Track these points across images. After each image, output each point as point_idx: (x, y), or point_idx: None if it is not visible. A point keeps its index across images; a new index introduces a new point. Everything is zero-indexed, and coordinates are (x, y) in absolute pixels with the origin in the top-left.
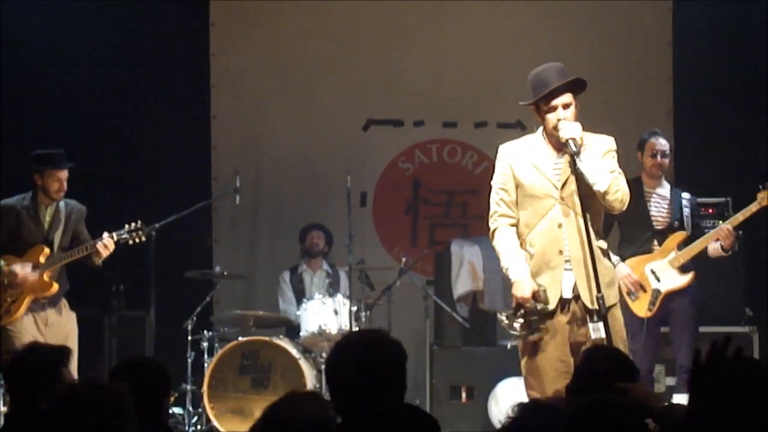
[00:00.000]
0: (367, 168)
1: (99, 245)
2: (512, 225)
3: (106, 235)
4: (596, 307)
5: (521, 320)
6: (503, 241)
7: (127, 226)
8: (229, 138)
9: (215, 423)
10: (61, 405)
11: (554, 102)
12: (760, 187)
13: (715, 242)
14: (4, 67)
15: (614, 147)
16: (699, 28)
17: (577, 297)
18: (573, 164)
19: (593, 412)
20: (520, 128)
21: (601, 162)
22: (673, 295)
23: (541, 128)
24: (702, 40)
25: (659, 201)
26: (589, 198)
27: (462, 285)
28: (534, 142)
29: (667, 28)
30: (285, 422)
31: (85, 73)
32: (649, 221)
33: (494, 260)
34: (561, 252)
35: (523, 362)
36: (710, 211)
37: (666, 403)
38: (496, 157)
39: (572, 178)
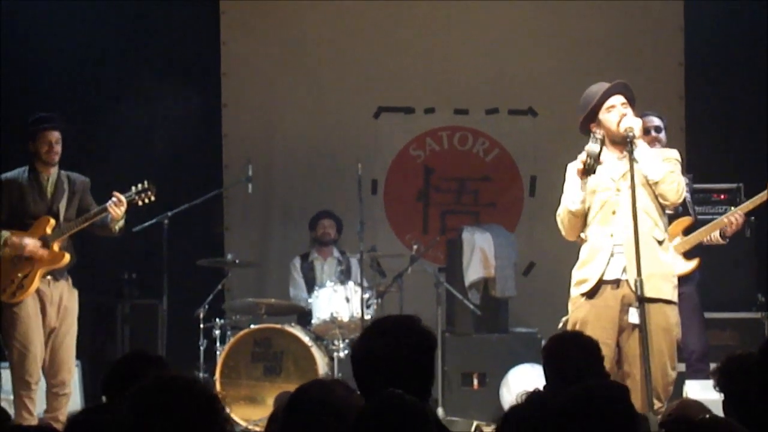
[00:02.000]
0: (378, 156)
1: (110, 206)
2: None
3: (115, 194)
4: (657, 295)
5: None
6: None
7: (134, 187)
8: (240, 126)
9: (228, 410)
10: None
11: (610, 101)
12: None
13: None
14: (10, 55)
15: (677, 157)
16: (710, 13)
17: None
18: (631, 154)
19: (583, 400)
20: (531, 115)
21: (658, 158)
22: (678, 281)
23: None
24: (713, 26)
25: None
26: (647, 190)
27: (473, 272)
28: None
29: (678, 14)
30: (315, 405)
31: (95, 63)
32: None
33: (505, 247)
34: (612, 236)
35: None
36: (722, 197)
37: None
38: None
39: (627, 172)
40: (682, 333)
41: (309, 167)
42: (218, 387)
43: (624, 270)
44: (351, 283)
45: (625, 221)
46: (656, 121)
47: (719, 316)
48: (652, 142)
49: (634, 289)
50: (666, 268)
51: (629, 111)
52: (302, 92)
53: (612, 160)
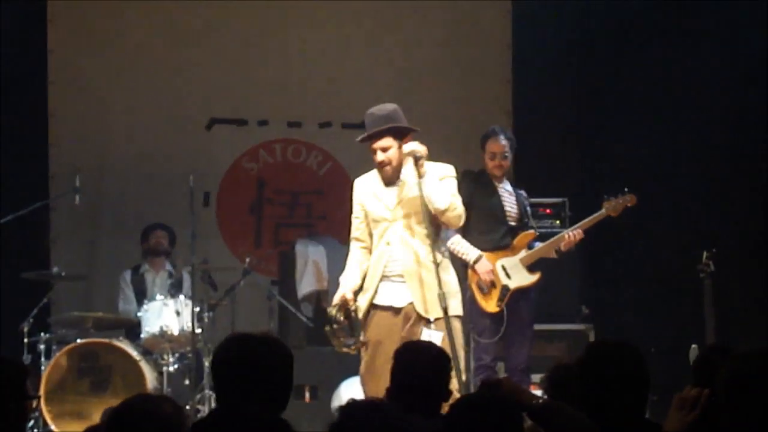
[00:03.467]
0: (211, 167)
1: None
2: (363, 247)
3: None
4: (428, 316)
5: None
6: (349, 258)
7: None
8: (67, 136)
9: (52, 427)
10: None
11: (374, 146)
12: (605, 197)
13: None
14: None
15: (453, 174)
16: (537, 29)
17: (410, 303)
18: (419, 177)
19: (469, 412)
20: (364, 128)
21: (440, 183)
22: (517, 294)
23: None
24: (540, 42)
25: (507, 197)
26: (424, 216)
27: (307, 285)
28: (374, 175)
29: (506, 30)
30: (136, 420)
31: None
32: (504, 215)
33: (339, 260)
34: (386, 267)
35: (363, 362)
36: (548, 211)
37: (540, 400)
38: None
39: (405, 201)
40: (510, 345)
41: (140, 178)
42: (43, 403)
43: (402, 296)
44: (182, 297)
45: (405, 253)
46: (505, 146)
47: (546, 327)
48: (496, 168)
49: (424, 314)
50: (449, 286)
51: (390, 153)
52: (133, 102)
53: (383, 187)
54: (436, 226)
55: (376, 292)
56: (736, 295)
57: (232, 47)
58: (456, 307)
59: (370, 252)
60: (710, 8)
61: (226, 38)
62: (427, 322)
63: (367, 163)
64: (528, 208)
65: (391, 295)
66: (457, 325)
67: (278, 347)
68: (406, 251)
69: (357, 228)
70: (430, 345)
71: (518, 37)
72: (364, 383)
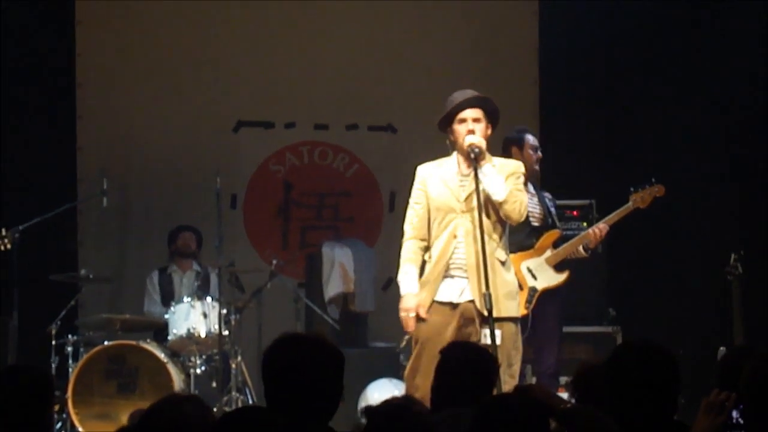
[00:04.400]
0: (238, 170)
1: None
2: (422, 248)
3: None
4: (501, 314)
5: None
6: (403, 255)
7: None
8: (95, 139)
9: (80, 429)
10: None
11: (463, 113)
12: (631, 189)
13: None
14: None
15: (521, 170)
16: (564, 31)
17: (470, 301)
18: (476, 171)
19: (496, 412)
20: (390, 131)
21: (499, 176)
22: (545, 294)
23: (455, 152)
24: (567, 44)
25: (531, 198)
26: (490, 211)
27: (333, 287)
28: (449, 161)
29: (533, 34)
30: (165, 423)
31: None
32: (527, 217)
33: (365, 262)
34: (450, 260)
35: (410, 359)
36: (575, 213)
37: (568, 404)
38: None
39: (475, 193)
40: (539, 348)
41: (167, 181)
42: (70, 405)
43: (462, 292)
44: (209, 299)
45: (469, 247)
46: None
47: (573, 330)
48: (538, 162)
49: (480, 307)
50: (510, 286)
51: (479, 126)
52: (160, 104)
53: (457, 174)
54: (502, 223)
55: (437, 287)
56: (765, 298)
57: (259, 50)
58: (514, 309)
59: (428, 248)
60: (740, 8)
61: (252, 41)
62: (485, 321)
63: (394, 165)
64: (552, 209)
65: (450, 291)
66: (513, 328)
67: (331, 350)
68: (473, 246)
69: (416, 215)
70: (476, 346)
71: (545, 39)
72: (406, 380)
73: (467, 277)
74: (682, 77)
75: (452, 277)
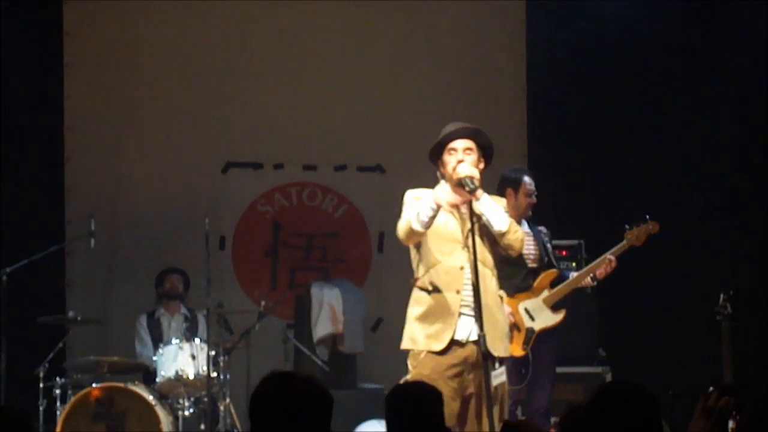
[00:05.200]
0: (226, 211)
1: None
2: None
3: None
4: (496, 354)
5: None
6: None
7: None
8: (83, 181)
9: None
10: None
11: (454, 144)
12: (626, 227)
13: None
14: None
15: (505, 206)
16: (552, 75)
17: (475, 342)
18: (470, 204)
19: None
20: (379, 171)
21: (498, 206)
22: (541, 335)
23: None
24: (554, 87)
25: (526, 238)
26: (488, 245)
27: (322, 328)
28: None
29: (521, 75)
30: None
31: None
32: (522, 259)
33: (354, 303)
34: (458, 293)
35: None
36: (563, 253)
37: None
38: (402, 200)
39: (479, 225)
40: (530, 388)
41: (155, 222)
42: None
43: (471, 331)
44: (197, 340)
45: (472, 279)
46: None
47: (562, 370)
48: (530, 207)
49: (483, 349)
50: (506, 326)
51: (470, 158)
52: (148, 146)
53: (454, 216)
54: (495, 257)
55: (456, 323)
56: (754, 338)
57: (248, 91)
58: (507, 349)
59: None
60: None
61: (241, 82)
62: (493, 360)
63: (382, 206)
64: (548, 245)
65: (463, 329)
66: (504, 369)
67: (320, 390)
68: (478, 282)
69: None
70: (421, 385)
71: (533, 79)
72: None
73: (472, 314)
74: (673, 114)
75: (461, 314)
